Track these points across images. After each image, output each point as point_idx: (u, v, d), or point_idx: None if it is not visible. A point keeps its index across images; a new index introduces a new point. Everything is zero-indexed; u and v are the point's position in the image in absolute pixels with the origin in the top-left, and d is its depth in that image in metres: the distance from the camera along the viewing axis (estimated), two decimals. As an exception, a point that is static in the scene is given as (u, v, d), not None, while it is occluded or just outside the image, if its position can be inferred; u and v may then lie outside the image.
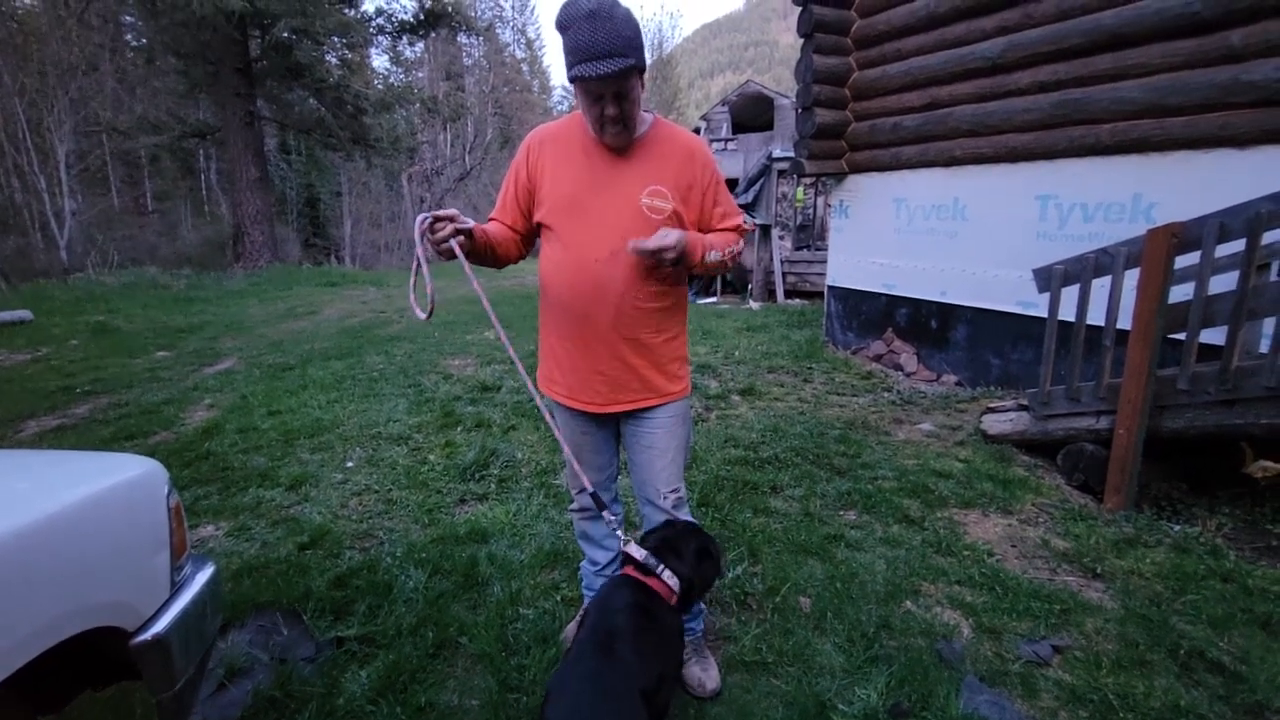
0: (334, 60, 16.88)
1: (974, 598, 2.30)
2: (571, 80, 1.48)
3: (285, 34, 13.47)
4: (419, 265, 1.55)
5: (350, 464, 3.52)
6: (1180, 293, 2.84)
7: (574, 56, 1.44)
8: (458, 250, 1.54)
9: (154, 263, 14.84)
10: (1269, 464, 3.37)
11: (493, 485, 3.23)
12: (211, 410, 4.52)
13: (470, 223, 1.57)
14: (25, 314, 8.11)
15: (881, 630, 2.10)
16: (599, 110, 1.52)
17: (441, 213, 1.52)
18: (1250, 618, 2.15)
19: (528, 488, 3.19)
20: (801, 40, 5.77)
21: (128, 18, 17.90)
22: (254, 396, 4.71)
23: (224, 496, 3.13)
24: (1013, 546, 2.67)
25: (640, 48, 1.49)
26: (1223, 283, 2.74)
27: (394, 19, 16.54)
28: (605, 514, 1.68)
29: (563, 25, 1.46)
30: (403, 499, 3.10)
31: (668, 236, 1.55)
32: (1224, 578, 2.38)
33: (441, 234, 1.50)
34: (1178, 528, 2.78)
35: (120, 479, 1.32)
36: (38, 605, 1.04)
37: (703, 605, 1.99)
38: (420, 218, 1.50)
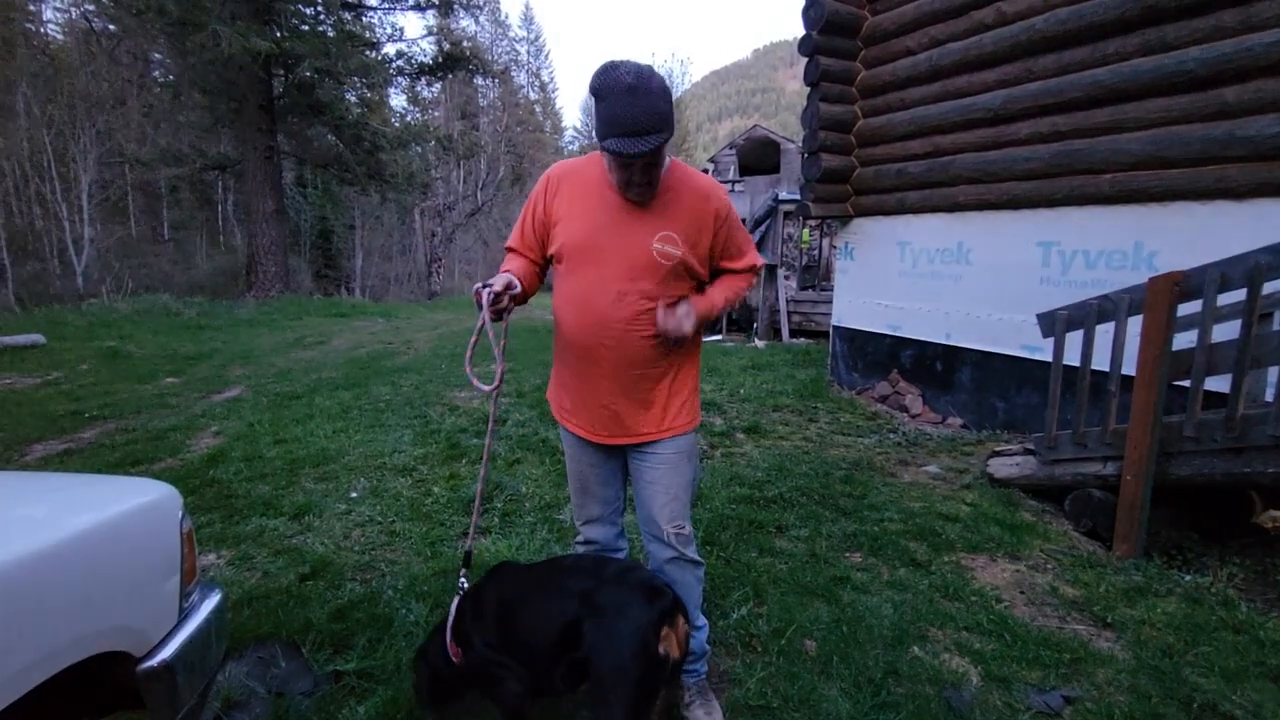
0: (354, 99, 17.41)
1: (982, 645, 2.26)
2: (604, 150, 1.52)
3: (308, 74, 13.93)
4: (479, 336, 1.59)
5: (354, 494, 3.52)
6: (1184, 340, 2.86)
7: (610, 128, 1.46)
8: (506, 318, 1.63)
9: (168, 290, 15.05)
10: (1279, 514, 3.33)
11: (496, 519, 3.22)
12: (218, 438, 4.53)
13: (519, 286, 1.64)
14: (38, 338, 8.22)
15: (889, 676, 2.06)
16: (627, 176, 1.57)
17: (500, 285, 1.57)
18: (1263, 670, 2.11)
19: (531, 522, 3.18)
20: (808, 88, 5.95)
21: (156, 55, 18.58)
22: (260, 425, 4.73)
23: (227, 524, 3.12)
24: (1021, 593, 2.63)
25: (672, 118, 1.52)
26: (1226, 331, 2.76)
27: (413, 61, 17.10)
28: None
29: (599, 93, 1.48)
30: (406, 531, 3.09)
31: (686, 319, 1.64)
32: (1236, 629, 2.35)
33: (503, 305, 1.58)
34: (1188, 577, 2.74)
35: (136, 503, 1.33)
36: (52, 628, 1.05)
37: (708, 647, 1.97)
38: (486, 291, 1.54)
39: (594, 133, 1.60)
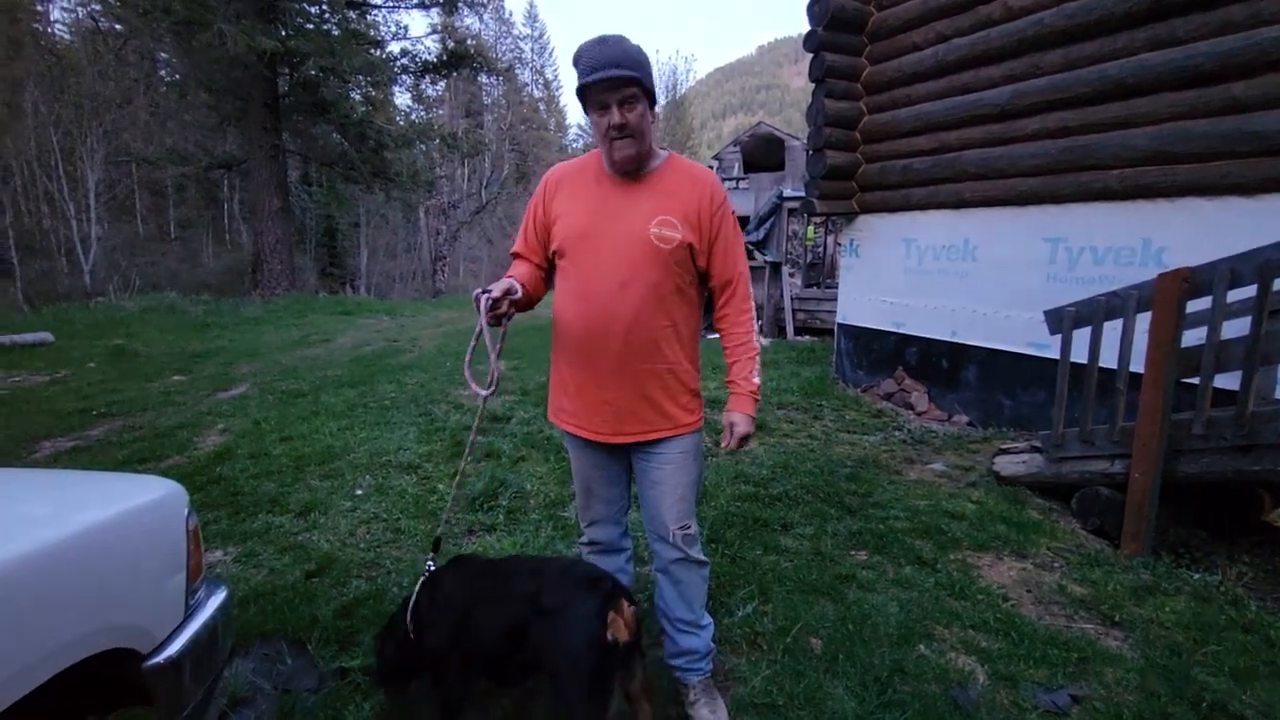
0: (358, 97, 17.44)
1: (989, 643, 2.25)
2: (579, 93, 1.58)
3: (313, 72, 13.97)
4: (477, 341, 1.59)
5: (359, 492, 3.52)
6: (1193, 337, 2.84)
7: (582, 74, 1.55)
8: (505, 323, 1.64)
9: (174, 288, 15.13)
10: (1289, 512, 3.30)
11: (501, 516, 3.22)
12: (224, 435, 4.55)
13: (519, 291, 1.64)
14: (46, 336, 8.26)
15: (894, 674, 2.06)
16: (606, 123, 1.59)
17: (499, 290, 1.58)
18: (1273, 670, 2.09)
19: (536, 519, 3.18)
20: (813, 85, 5.92)
21: (163, 54, 18.64)
22: (266, 422, 4.75)
23: (233, 521, 3.13)
24: (1028, 591, 2.62)
25: (646, 72, 1.59)
26: (1236, 328, 2.74)
27: (418, 59, 17.13)
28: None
29: (576, 58, 1.57)
30: (411, 528, 3.09)
31: (737, 426, 1.74)
32: (1245, 628, 2.33)
33: (501, 311, 1.59)
34: (1198, 575, 2.72)
35: (142, 500, 1.33)
36: (58, 625, 1.05)
37: (713, 645, 1.96)
38: (484, 297, 1.55)
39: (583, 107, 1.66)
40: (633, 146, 1.62)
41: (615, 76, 1.52)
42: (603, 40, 1.56)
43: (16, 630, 0.98)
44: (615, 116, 1.57)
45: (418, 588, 1.74)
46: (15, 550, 1.02)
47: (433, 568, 1.78)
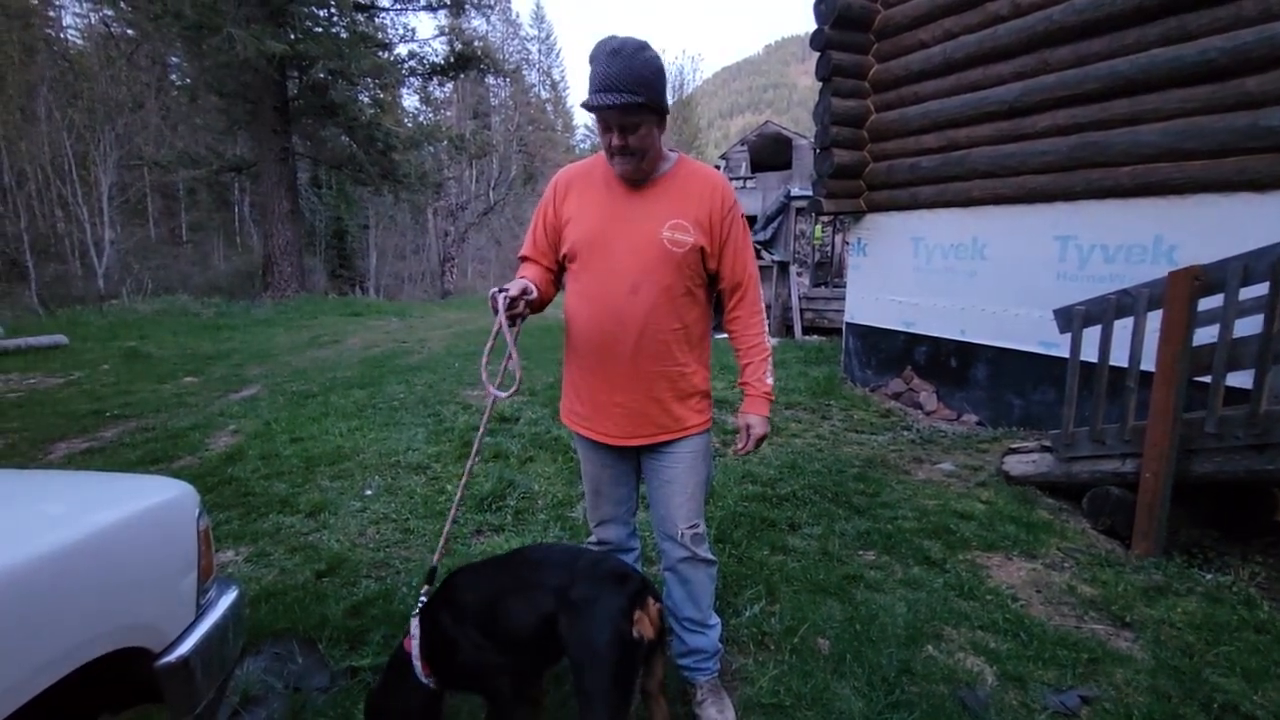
0: (366, 99, 17.55)
1: (998, 644, 2.24)
2: (584, 108, 1.58)
3: (322, 75, 14.08)
4: (495, 340, 1.58)
5: (369, 492, 3.55)
6: (1205, 335, 2.81)
7: (590, 87, 1.54)
8: (519, 323, 1.64)
9: (186, 291, 15.29)
10: (1304, 512, 3.26)
11: (509, 517, 3.24)
12: (235, 436, 4.59)
13: (534, 291, 1.64)
14: (61, 339, 8.37)
15: (902, 675, 2.05)
16: (609, 140, 1.60)
17: (516, 290, 1.58)
18: (1288, 673, 2.07)
19: (544, 520, 3.19)
20: (820, 84, 5.91)
21: (174, 59, 18.83)
22: (277, 423, 4.79)
23: (245, 522, 3.16)
24: (1037, 592, 2.60)
25: (657, 90, 1.56)
26: (1248, 326, 2.71)
27: (425, 61, 17.22)
28: None
29: (590, 60, 1.56)
30: (420, 528, 3.11)
31: (753, 428, 1.77)
32: (1258, 629, 2.30)
33: (518, 311, 1.59)
34: (1209, 576, 2.70)
35: (153, 501, 1.35)
36: (71, 624, 1.07)
37: (720, 644, 1.97)
38: (502, 296, 1.54)
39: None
40: (632, 163, 1.63)
41: (616, 105, 1.51)
42: (616, 53, 1.51)
43: (32, 629, 0.99)
44: (616, 140, 1.58)
45: (417, 624, 1.62)
46: (32, 551, 1.04)
47: (424, 601, 1.68)
